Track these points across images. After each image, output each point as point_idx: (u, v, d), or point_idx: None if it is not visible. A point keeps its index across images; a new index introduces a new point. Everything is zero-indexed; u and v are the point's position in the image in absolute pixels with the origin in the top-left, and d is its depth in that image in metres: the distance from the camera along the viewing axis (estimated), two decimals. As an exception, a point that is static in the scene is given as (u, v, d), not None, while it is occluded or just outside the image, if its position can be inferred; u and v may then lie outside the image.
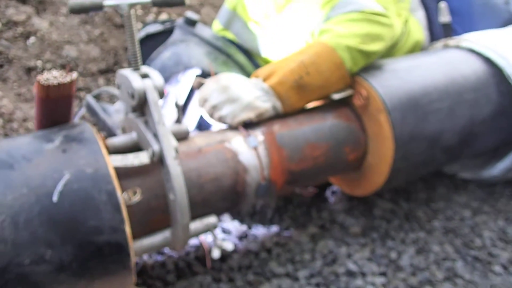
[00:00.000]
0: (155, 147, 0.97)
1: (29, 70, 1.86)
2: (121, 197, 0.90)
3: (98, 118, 1.29)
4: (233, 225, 1.49)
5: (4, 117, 1.65)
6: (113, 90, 1.30)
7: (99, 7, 1.00)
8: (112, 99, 1.92)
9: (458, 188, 1.66)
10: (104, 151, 0.93)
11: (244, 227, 1.48)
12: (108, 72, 2.03)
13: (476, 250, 1.38)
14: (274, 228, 1.49)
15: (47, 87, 0.91)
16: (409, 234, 1.44)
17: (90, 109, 1.33)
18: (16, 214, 0.82)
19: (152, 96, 0.99)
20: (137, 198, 0.95)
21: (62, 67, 1.91)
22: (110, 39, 2.11)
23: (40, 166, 0.88)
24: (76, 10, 0.99)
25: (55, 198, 0.85)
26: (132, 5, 1.01)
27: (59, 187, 0.86)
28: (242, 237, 1.44)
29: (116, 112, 1.32)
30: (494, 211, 1.55)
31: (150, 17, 2.30)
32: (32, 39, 1.95)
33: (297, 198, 1.59)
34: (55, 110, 0.99)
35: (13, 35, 1.95)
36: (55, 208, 0.85)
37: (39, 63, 1.88)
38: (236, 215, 1.53)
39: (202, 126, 1.48)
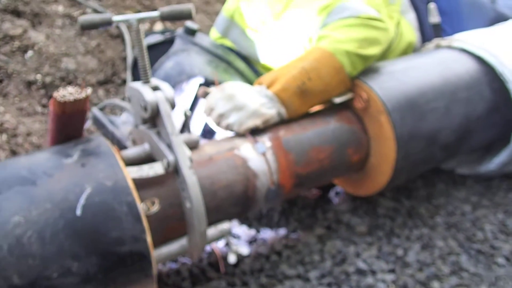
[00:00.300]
0: (170, 157, 1.00)
1: (29, 84, 1.87)
2: (141, 207, 0.93)
3: (106, 130, 1.32)
4: (242, 230, 1.52)
5: (8, 132, 1.66)
6: (119, 102, 1.33)
7: (108, 23, 1.03)
8: (112, 110, 1.94)
9: (457, 184, 1.71)
10: (121, 163, 0.96)
11: (252, 231, 1.51)
12: (107, 83, 2.04)
13: (479, 243, 1.43)
14: (282, 231, 1.52)
15: (63, 104, 0.93)
16: (413, 231, 1.48)
17: (97, 121, 1.35)
18: (42, 229, 0.84)
19: (165, 108, 1.01)
20: (155, 208, 0.97)
21: (62, 79, 1.92)
22: (107, 50, 2.12)
23: (61, 181, 0.90)
24: (86, 27, 1.02)
25: (78, 211, 0.87)
26: (140, 20, 1.03)
27: (82, 200, 0.88)
28: (252, 241, 1.47)
29: (123, 124, 1.35)
30: (493, 205, 1.60)
31: (145, 26, 2.32)
32: (29, 53, 1.96)
33: (301, 200, 1.63)
34: (69, 125, 1.01)
35: (11, 49, 1.95)
36: (79, 221, 0.87)
37: (38, 76, 1.89)
38: (244, 220, 1.56)
39: (207, 133, 1.51)
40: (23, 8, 2.11)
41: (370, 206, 1.58)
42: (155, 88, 1.04)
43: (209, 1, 2.59)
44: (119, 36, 2.24)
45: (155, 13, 1.04)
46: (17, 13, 2.10)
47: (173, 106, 1.04)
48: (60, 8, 2.19)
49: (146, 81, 1.05)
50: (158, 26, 2.32)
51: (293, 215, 1.59)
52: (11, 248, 0.82)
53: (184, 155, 1.00)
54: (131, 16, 1.02)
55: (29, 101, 1.82)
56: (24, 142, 1.67)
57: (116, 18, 1.02)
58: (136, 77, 1.68)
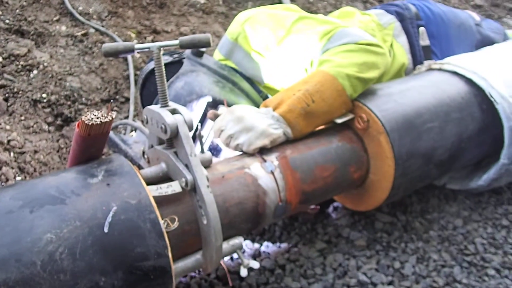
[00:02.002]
0: (189, 177, 1.06)
1: (35, 103, 1.91)
2: (163, 224, 0.98)
3: (120, 149, 1.37)
4: (246, 244, 1.58)
5: (15, 151, 1.70)
6: (132, 122, 1.39)
7: (131, 50, 1.09)
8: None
9: (449, 199, 1.80)
10: (143, 183, 1.01)
11: (256, 246, 1.57)
12: (110, 101, 2.10)
13: (471, 256, 1.51)
14: (284, 245, 1.59)
15: (90, 126, 0.99)
16: (408, 245, 1.56)
17: (110, 140, 1.41)
18: (73, 245, 0.89)
19: (184, 130, 1.08)
20: (175, 225, 1.03)
21: (67, 98, 1.97)
22: (109, 69, 2.18)
23: (89, 200, 0.95)
24: (110, 54, 1.08)
25: (106, 229, 0.92)
26: (161, 47, 1.10)
27: (109, 218, 0.93)
28: (256, 255, 1.53)
29: (135, 143, 1.41)
30: (483, 219, 1.69)
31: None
32: (34, 72, 2.01)
33: (302, 215, 1.70)
34: (92, 146, 1.07)
35: (16, 68, 2.00)
36: (106, 238, 0.92)
37: (44, 95, 1.94)
38: (248, 235, 1.61)
39: (212, 150, 1.57)
40: (27, 28, 2.17)
41: (368, 221, 1.65)
42: (174, 111, 1.11)
43: (207, 21, 2.67)
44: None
45: (175, 42, 1.11)
46: (21, 33, 2.15)
47: (190, 128, 1.10)
48: (63, 28, 2.25)
49: (165, 105, 1.12)
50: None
51: (294, 230, 1.66)
52: (44, 264, 0.87)
53: (202, 174, 1.06)
54: (152, 45, 1.09)
55: (35, 119, 1.86)
56: (31, 159, 1.71)
57: (138, 46, 1.09)
58: (144, 98, 1.74)
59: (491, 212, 1.74)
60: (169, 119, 1.07)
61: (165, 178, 1.14)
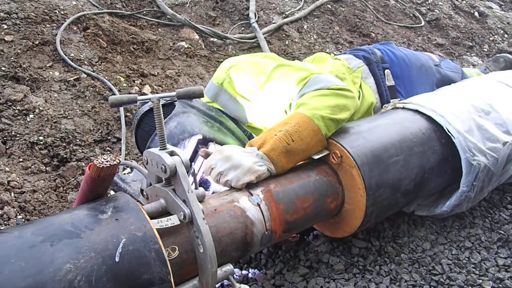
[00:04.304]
0: (187, 211, 1.21)
1: (32, 145, 2.03)
2: (165, 253, 1.12)
3: (119, 187, 1.51)
4: (234, 272, 1.71)
5: (15, 191, 1.81)
6: (130, 163, 1.53)
7: (133, 102, 1.25)
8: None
9: (417, 224, 1.98)
10: (147, 217, 1.16)
11: (244, 273, 1.71)
12: (103, 141, 2.23)
13: (438, 276, 1.68)
14: (269, 272, 1.72)
15: (101, 169, 1.14)
16: (382, 267, 1.72)
17: (109, 180, 1.54)
18: (89, 274, 1.02)
19: (181, 170, 1.23)
20: (176, 253, 1.17)
21: (62, 140, 2.10)
22: (101, 112, 2.32)
23: (101, 233, 1.09)
24: (115, 105, 1.24)
25: (117, 258, 1.06)
26: (160, 98, 1.27)
27: (119, 249, 1.07)
28: (244, 282, 1.67)
29: (133, 182, 1.55)
30: (448, 242, 1.87)
31: (133, 90, 2.55)
32: (31, 116, 2.14)
33: (285, 243, 1.85)
34: (100, 185, 1.21)
35: (13, 113, 2.12)
36: (117, 266, 1.05)
37: (41, 138, 2.06)
38: (236, 263, 1.75)
39: (202, 183, 1.72)
40: (22, 74, 2.31)
41: (346, 247, 1.81)
42: (172, 153, 1.26)
43: (191, 64, 2.86)
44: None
45: (172, 93, 1.28)
46: (16, 79, 2.28)
47: (187, 168, 1.25)
48: (56, 74, 2.40)
49: (163, 148, 1.27)
50: (146, 89, 2.55)
51: (279, 257, 1.80)
52: (65, 291, 0.99)
53: (198, 208, 1.21)
54: (153, 96, 1.25)
55: (33, 160, 1.98)
56: (31, 199, 1.82)
57: (140, 98, 1.25)
58: (139, 138, 1.89)
59: (455, 235, 1.93)
60: (169, 160, 1.23)
61: (164, 212, 1.29)
